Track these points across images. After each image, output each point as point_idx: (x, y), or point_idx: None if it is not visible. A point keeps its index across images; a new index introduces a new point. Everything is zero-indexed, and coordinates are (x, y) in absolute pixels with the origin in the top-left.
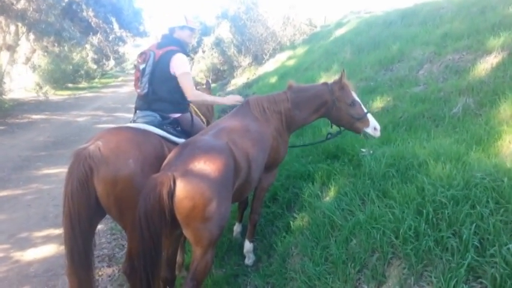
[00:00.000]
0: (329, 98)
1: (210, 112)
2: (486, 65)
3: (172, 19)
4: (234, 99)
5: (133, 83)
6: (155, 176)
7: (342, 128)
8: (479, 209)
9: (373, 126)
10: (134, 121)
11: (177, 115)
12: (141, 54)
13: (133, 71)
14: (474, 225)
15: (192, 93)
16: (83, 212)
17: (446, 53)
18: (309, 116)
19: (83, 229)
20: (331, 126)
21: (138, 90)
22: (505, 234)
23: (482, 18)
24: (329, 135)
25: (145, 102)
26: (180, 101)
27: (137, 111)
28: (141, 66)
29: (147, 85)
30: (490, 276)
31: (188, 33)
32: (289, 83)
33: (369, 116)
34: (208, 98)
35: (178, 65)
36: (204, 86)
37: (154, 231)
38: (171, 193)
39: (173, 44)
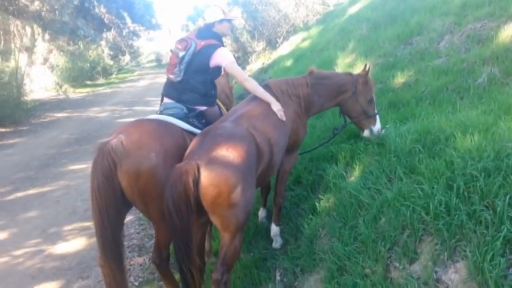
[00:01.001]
0: (351, 88)
1: (229, 100)
2: (510, 31)
3: (209, 15)
4: (277, 107)
5: (150, 76)
6: (179, 166)
7: (348, 121)
8: None
9: (378, 128)
10: (161, 112)
11: (203, 108)
12: (182, 40)
13: (149, 65)
14: (508, 196)
15: (248, 80)
16: (110, 205)
17: (467, 22)
18: (327, 103)
19: (112, 221)
20: (341, 116)
21: (172, 76)
22: None
23: None
24: (335, 131)
25: (176, 90)
26: (210, 94)
27: (165, 100)
28: (181, 54)
29: (182, 73)
30: None
31: (227, 25)
32: (310, 69)
33: (377, 117)
34: (262, 92)
35: (224, 57)
36: (223, 72)
37: (183, 220)
38: (196, 181)
39: (214, 37)
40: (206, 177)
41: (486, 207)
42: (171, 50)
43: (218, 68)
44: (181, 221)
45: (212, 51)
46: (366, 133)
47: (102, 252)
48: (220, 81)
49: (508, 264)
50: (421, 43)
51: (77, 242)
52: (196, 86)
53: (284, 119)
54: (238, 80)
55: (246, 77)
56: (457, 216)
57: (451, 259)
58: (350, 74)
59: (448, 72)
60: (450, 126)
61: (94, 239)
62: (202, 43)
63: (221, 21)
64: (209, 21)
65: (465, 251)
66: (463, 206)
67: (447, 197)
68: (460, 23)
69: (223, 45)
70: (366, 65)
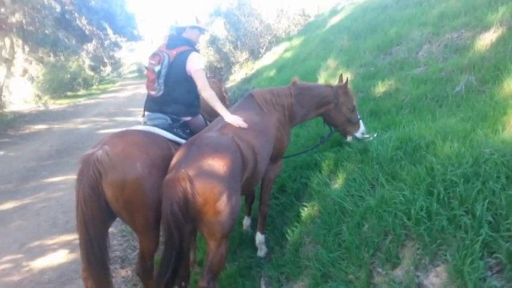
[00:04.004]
0: (333, 100)
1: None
2: (486, 41)
3: (183, 19)
4: (236, 121)
5: (131, 86)
6: (171, 175)
7: (333, 130)
8: (490, 185)
9: (362, 131)
10: (145, 123)
11: (188, 118)
12: (154, 55)
13: (130, 76)
14: (486, 201)
15: (207, 90)
16: (96, 216)
17: (444, 32)
18: (309, 113)
19: (97, 232)
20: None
21: (153, 92)
22: None
23: None
24: (322, 139)
25: (158, 104)
26: (193, 103)
27: (147, 113)
28: (156, 68)
29: (162, 87)
30: (505, 250)
31: (197, 33)
32: (293, 80)
33: (361, 121)
34: (218, 104)
35: (194, 62)
36: (215, 79)
37: (180, 228)
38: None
39: (184, 43)
40: (194, 185)
41: (465, 212)
42: (146, 67)
43: None
44: (179, 229)
45: (186, 58)
46: (349, 139)
47: (87, 265)
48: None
49: (486, 267)
50: (401, 53)
51: (57, 255)
52: (179, 97)
53: (245, 126)
54: (198, 87)
55: (206, 87)
56: (437, 221)
57: (432, 263)
58: (330, 86)
59: (427, 81)
60: (430, 133)
61: (75, 252)
62: (174, 52)
63: (193, 27)
64: (181, 25)
65: (446, 255)
66: (443, 211)
67: (428, 203)
68: (437, 33)
69: (195, 50)
70: (341, 75)
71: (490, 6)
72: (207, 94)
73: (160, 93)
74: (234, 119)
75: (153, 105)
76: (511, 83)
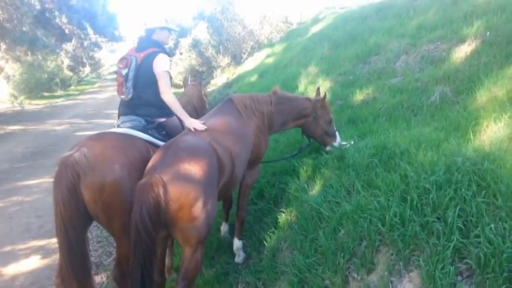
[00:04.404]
0: (311, 113)
1: (198, 112)
2: (461, 53)
3: (152, 20)
4: (194, 124)
5: (111, 88)
6: (145, 180)
7: (312, 141)
8: (462, 192)
9: (338, 142)
10: (118, 126)
11: (162, 119)
12: (122, 59)
13: (110, 77)
14: (458, 208)
15: (167, 93)
16: (76, 219)
17: (421, 44)
18: (288, 123)
19: (78, 236)
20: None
21: (122, 96)
22: (487, 215)
23: (454, 8)
24: (301, 148)
25: (130, 108)
26: (165, 105)
27: (121, 116)
28: (124, 72)
29: (131, 90)
30: (474, 256)
31: (167, 34)
32: (274, 89)
33: (337, 132)
34: (178, 108)
35: (159, 64)
36: (195, 82)
37: (150, 234)
38: (165, 194)
39: (153, 45)
40: (168, 190)
41: (438, 218)
42: (115, 71)
43: None
44: (148, 235)
45: (153, 59)
46: (328, 148)
47: (71, 270)
48: (188, 93)
49: (457, 272)
50: (379, 63)
51: (30, 260)
52: (150, 99)
53: (202, 128)
54: (159, 89)
55: (167, 91)
56: (411, 227)
57: (405, 269)
58: (309, 99)
59: (403, 90)
60: (405, 141)
61: (48, 258)
62: (142, 55)
63: (162, 28)
64: (150, 27)
65: (418, 261)
66: (416, 218)
67: (402, 209)
68: (415, 44)
69: (164, 52)
70: (318, 89)
71: (466, 20)
72: (167, 98)
73: (130, 96)
74: (193, 123)
75: (126, 108)
76: (483, 94)
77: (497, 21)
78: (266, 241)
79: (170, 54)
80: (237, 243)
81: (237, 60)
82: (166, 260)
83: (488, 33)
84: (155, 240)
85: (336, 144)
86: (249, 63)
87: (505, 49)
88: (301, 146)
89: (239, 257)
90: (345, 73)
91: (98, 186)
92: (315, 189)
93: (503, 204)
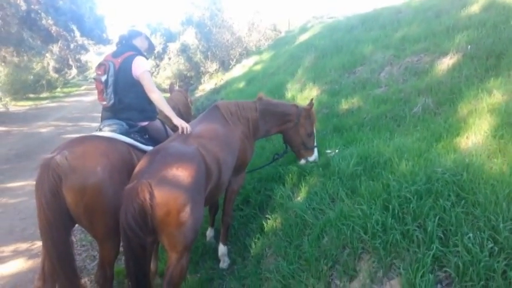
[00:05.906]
0: (294, 119)
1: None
2: (443, 66)
3: (131, 26)
4: (182, 123)
5: (97, 91)
6: (132, 185)
7: (288, 149)
8: (441, 202)
9: (314, 159)
10: (100, 129)
11: (144, 123)
12: (100, 65)
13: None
14: (437, 217)
15: (154, 92)
16: (59, 221)
17: (405, 55)
18: (273, 129)
19: (62, 238)
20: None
21: (104, 103)
22: (466, 225)
23: (437, 21)
24: (276, 156)
25: (112, 112)
26: (147, 108)
27: (103, 120)
28: (103, 78)
29: (112, 96)
30: (453, 264)
31: (145, 41)
32: (259, 95)
33: (315, 150)
34: (165, 106)
35: (139, 65)
36: (181, 89)
37: (140, 239)
38: (152, 200)
39: (131, 49)
40: (155, 196)
41: (418, 227)
42: (93, 78)
43: None
44: (137, 239)
45: (131, 63)
46: (302, 162)
47: (57, 272)
48: (174, 98)
49: (436, 280)
50: (364, 73)
51: (12, 263)
52: (131, 103)
53: (188, 131)
54: (145, 89)
55: (154, 89)
56: (392, 235)
57: (387, 276)
58: (296, 106)
59: (387, 101)
60: (388, 151)
61: (31, 261)
62: (119, 60)
63: (140, 33)
64: (123, 33)
65: (399, 268)
66: (397, 226)
67: (384, 217)
68: (399, 55)
69: (141, 54)
70: (312, 100)
71: (448, 34)
72: (155, 96)
73: (111, 102)
74: (182, 122)
75: (108, 113)
76: (464, 106)
77: (478, 35)
78: (251, 247)
79: (147, 56)
80: (222, 248)
81: (225, 66)
82: (152, 265)
83: (469, 46)
84: (145, 246)
85: (311, 159)
86: (237, 70)
87: (485, 63)
88: (277, 153)
89: (224, 263)
90: (331, 82)
91: (79, 188)
92: (300, 196)
93: (481, 214)
